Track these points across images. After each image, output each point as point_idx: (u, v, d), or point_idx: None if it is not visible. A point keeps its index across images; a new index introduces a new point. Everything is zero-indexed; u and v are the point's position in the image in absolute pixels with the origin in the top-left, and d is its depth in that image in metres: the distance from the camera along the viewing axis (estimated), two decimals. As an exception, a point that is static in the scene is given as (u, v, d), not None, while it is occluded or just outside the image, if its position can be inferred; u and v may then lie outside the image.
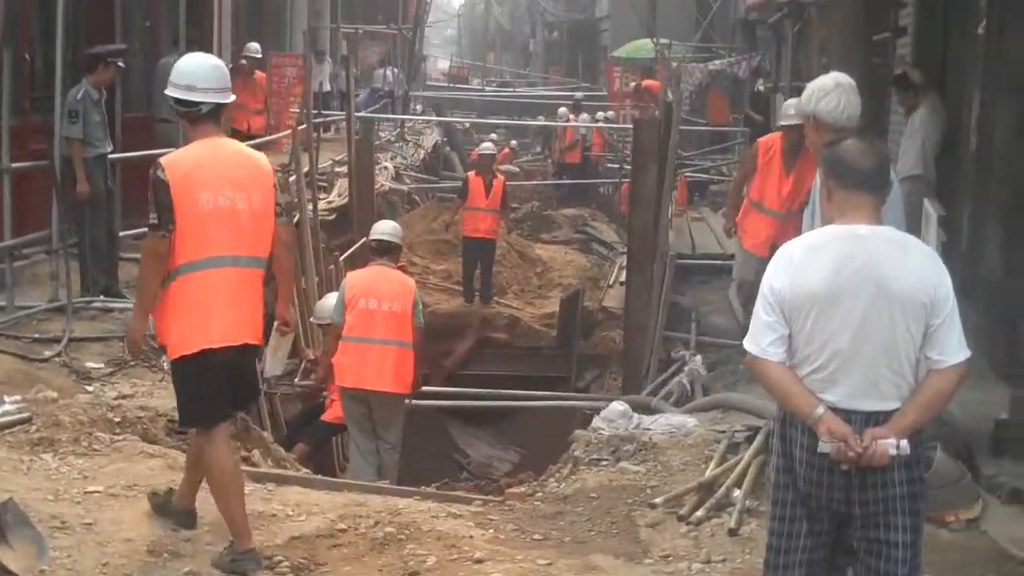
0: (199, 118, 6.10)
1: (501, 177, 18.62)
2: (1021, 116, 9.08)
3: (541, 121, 35.07)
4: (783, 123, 10.22)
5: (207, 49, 16.43)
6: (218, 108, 6.09)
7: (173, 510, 6.56)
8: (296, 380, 12.88)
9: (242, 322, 6.11)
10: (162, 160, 6.01)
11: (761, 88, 21.42)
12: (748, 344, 4.59)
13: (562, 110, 30.81)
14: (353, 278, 10.82)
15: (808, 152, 8.61)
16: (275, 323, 6.75)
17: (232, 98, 6.24)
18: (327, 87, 25.95)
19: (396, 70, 33.39)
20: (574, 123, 28.90)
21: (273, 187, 6.21)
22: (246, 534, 6.12)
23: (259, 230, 6.10)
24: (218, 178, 5.97)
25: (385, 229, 10.92)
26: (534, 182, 31.33)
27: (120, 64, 11.51)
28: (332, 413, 11.73)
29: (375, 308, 10.31)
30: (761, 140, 10.90)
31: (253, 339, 6.20)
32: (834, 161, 4.63)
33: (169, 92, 6.12)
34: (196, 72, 6.09)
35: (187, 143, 6.21)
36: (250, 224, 6.05)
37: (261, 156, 6.44)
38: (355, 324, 10.35)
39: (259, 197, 6.08)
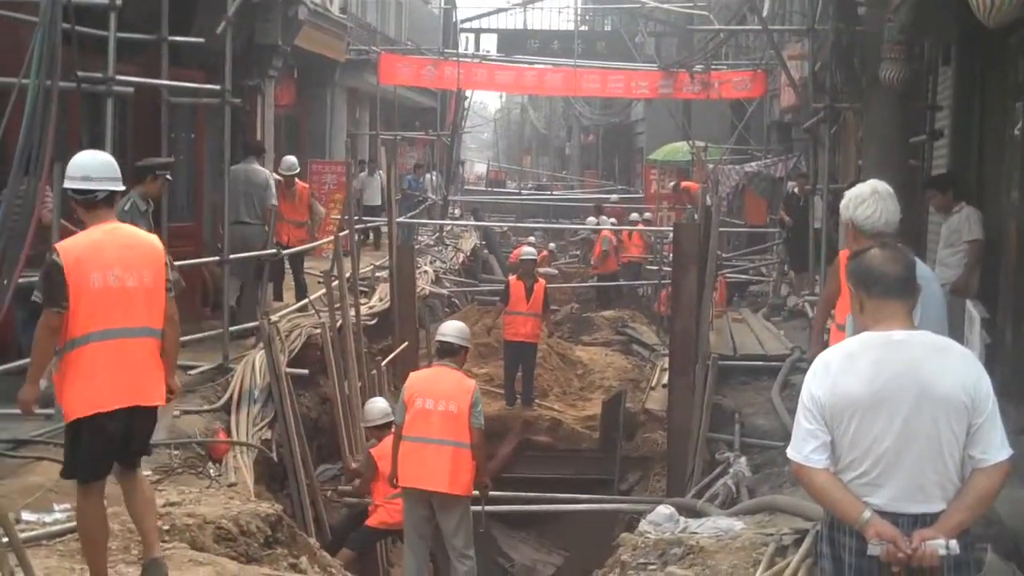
0: (94, 205, 6.84)
1: (542, 281, 18.73)
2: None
3: (578, 224, 35.31)
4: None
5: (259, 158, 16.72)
6: (111, 195, 6.90)
7: None
8: (339, 487, 12.96)
9: (133, 386, 6.72)
10: (57, 245, 6.82)
11: (795, 190, 21.43)
12: (791, 453, 4.64)
13: (590, 219, 31.04)
14: (413, 378, 10.87)
15: None
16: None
17: (122, 187, 7.06)
18: (377, 200, 25.93)
19: (435, 175, 33.78)
20: (603, 226, 29.19)
21: (164, 265, 6.91)
22: None
23: (151, 304, 6.79)
24: (109, 259, 6.68)
25: (449, 331, 10.89)
26: (573, 284, 31.46)
27: (168, 176, 11.72)
28: (376, 518, 11.77)
29: (432, 408, 10.31)
30: (841, 255, 10.23)
31: (144, 401, 6.79)
32: (861, 272, 4.70)
33: (67, 185, 6.90)
34: (90, 165, 6.91)
35: (83, 229, 6.91)
36: (142, 299, 6.75)
37: (153, 238, 7.16)
38: (412, 424, 10.37)
39: (149, 274, 6.79)
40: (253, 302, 15.19)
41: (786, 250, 21.81)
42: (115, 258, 6.71)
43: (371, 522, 11.83)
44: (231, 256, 13.53)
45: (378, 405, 12.90)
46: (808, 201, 19.57)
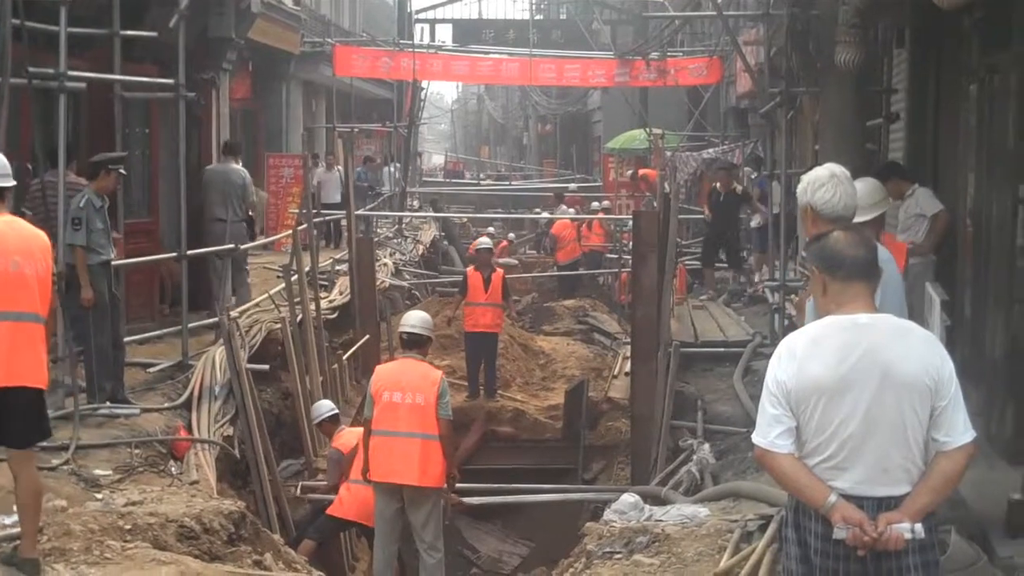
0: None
1: (500, 271, 18.68)
2: (1015, 200, 9.17)
3: (536, 214, 35.31)
4: (858, 219, 6.88)
5: (208, 152, 16.64)
6: (4, 191, 7.35)
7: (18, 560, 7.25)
8: (302, 483, 12.90)
9: (12, 367, 6.97)
10: None
11: (716, 185, 20.91)
12: (756, 438, 4.63)
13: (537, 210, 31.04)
14: (379, 371, 10.83)
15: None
16: None
17: (13, 182, 7.45)
18: (337, 197, 25.51)
19: (394, 167, 33.71)
20: (558, 216, 29.21)
21: (51, 259, 7.37)
22: None
23: (41, 292, 7.17)
24: (11, 247, 7.07)
25: (413, 321, 10.87)
26: (533, 274, 31.46)
27: (122, 171, 11.62)
28: (336, 507, 11.67)
29: (399, 401, 10.27)
30: None
31: (21, 382, 7.02)
32: (825, 255, 4.69)
33: None
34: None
35: None
36: (35, 286, 7.10)
37: (40, 232, 7.46)
38: (380, 418, 10.32)
39: (42, 265, 7.19)
40: (245, 289, 16.18)
41: (704, 247, 21.35)
42: (16, 247, 7.08)
43: (332, 511, 11.75)
44: (188, 252, 13.45)
45: (322, 403, 13.19)
46: (727, 198, 19.86)
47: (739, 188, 20.42)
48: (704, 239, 21.59)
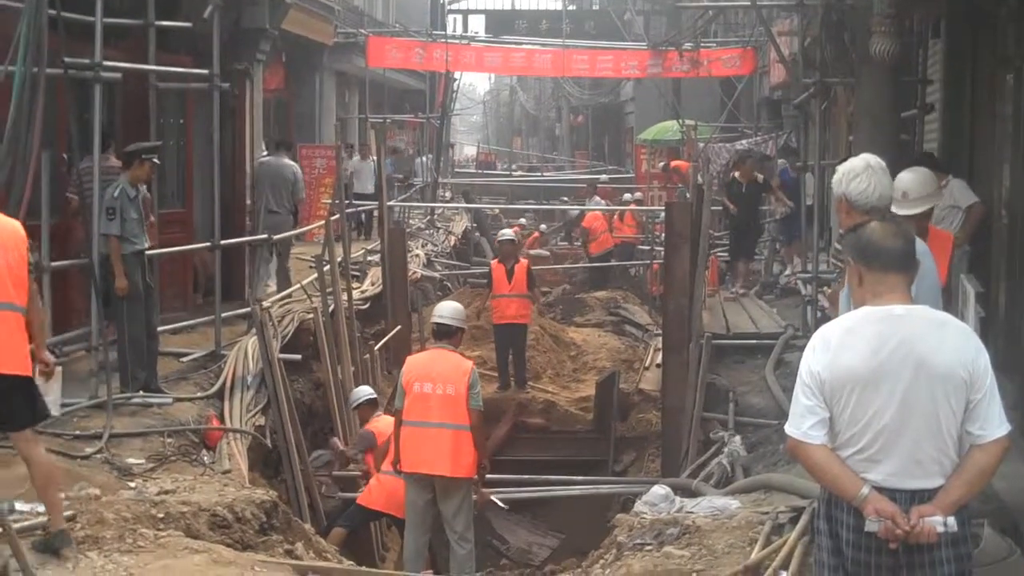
0: None
1: (524, 261, 18.69)
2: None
3: (563, 203, 35.20)
4: (904, 213, 6.69)
5: (243, 142, 16.69)
6: None
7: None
8: (333, 472, 12.95)
9: None
10: None
11: (735, 175, 20.19)
12: (789, 428, 4.61)
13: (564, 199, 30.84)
14: (410, 362, 10.83)
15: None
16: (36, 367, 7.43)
17: None
18: (370, 187, 25.70)
19: (427, 158, 33.73)
20: (589, 207, 29.06)
21: (27, 249, 7.34)
22: None
23: (16, 282, 7.15)
24: None
25: (444, 312, 10.88)
26: (564, 266, 31.42)
27: (156, 160, 11.67)
28: (366, 497, 11.72)
29: (430, 392, 10.27)
30: None
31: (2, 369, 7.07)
32: (861, 245, 4.67)
33: None
34: None
35: None
36: (7, 277, 7.09)
37: (15, 223, 7.46)
38: (411, 408, 10.34)
39: (14, 255, 7.16)
40: (284, 276, 16.79)
41: (731, 240, 20.76)
42: None
43: (362, 500, 11.79)
44: (222, 242, 13.52)
45: (361, 387, 13.40)
46: (750, 188, 19.37)
47: (760, 178, 19.93)
48: (729, 232, 21.08)
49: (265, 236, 15.27)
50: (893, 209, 6.38)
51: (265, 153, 18.28)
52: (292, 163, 17.87)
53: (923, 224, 6.77)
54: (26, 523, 7.76)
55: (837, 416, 4.50)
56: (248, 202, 17.11)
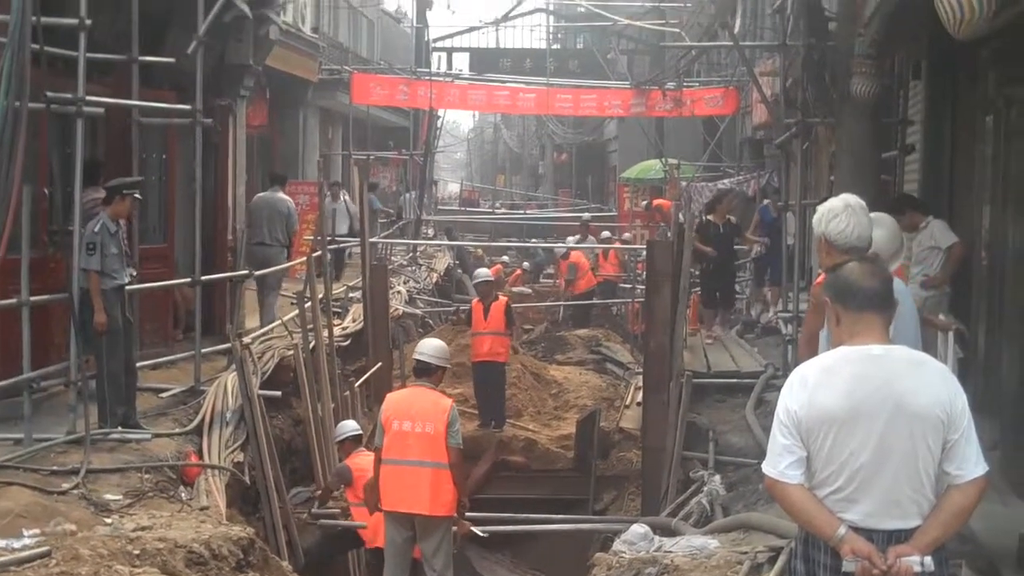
0: None
1: (502, 299, 18.66)
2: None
3: (552, 244, 35.21)
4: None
5: (225, 178, 16.68)
6: None
7: None
8: (312, 510, 12.88)
9: None
10: None
11: (708, 218, 19.42)
12: (767, 468, 4.61)
13: (572, 238, 30.73)
14: (389, 400, 10.80)
15: None
16: None
17: None
18: (344, 228, 25.74)
19: (411, 195, 33.77)
20: (575, 245, 29.03)
21: None
22: None
23: None
24: None
25: (425, 350, 10.86)
26: (547, 303, 31.41)
27: (137, 196, 11.65)
28: (371, 539, 11.61)
29: (408, 430, 10.24)
30: (817, 284, 8.97)
31: None
32: (838, 285, 4.69)
33: None
34: None
35: None
36: None
37: None
38: (390, 446, 10.30)
39: None
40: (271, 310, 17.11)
41: (703, 286, 19.79)
42: None
43: (369, 545, 11.73)
44: (202, 278, 13.50)
45: (347, 422, 13.39)
46: (726, 230, 18.95)
47: (733, 219, 19.58)
48: (703, 276, 19.92)
49: (246, 272, 15.23)
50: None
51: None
52: (286, 197, 18.39)
53: None
54: (1, 559, 7.70)
55: (814, 455, 4.50)
56: (232, 236, 17.09)
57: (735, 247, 19.95)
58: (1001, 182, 10.32)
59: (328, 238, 19.62)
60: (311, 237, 22.00)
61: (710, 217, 19.42)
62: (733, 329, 19.24)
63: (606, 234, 31.65)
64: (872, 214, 6.76)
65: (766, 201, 21.71)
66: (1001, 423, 9.60)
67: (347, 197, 26.38)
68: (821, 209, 6.09)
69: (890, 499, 4.45)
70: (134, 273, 11.46)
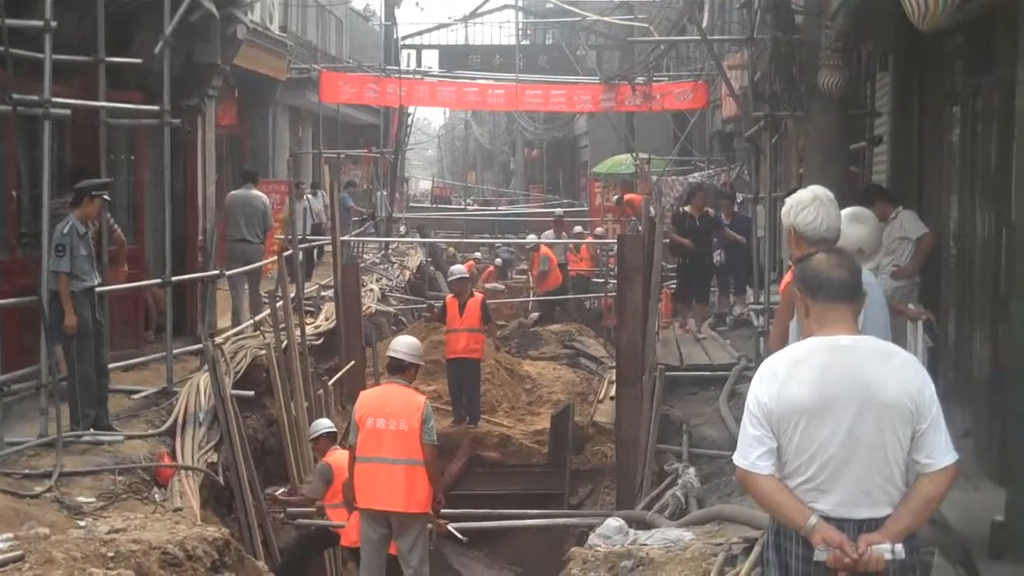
0: None
1: (478, 296, 18.62)
2: (999, 222, 9.20)
3: (523, 239, 35.23)
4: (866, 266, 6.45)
5: (194, 178, 16.63)
6: None
7: None
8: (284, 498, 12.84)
9: None
10: None
11: (684, 209, 19.32)
12: (737, 459, 4.63)
13: (548, 233, 30.65)
14: (362, 398, 10.78)
15: None
16: None
17: None
18: (322, 218, 25.84)
19: (383, 193, 33.73)
20: (543, 241, 28.96)
21: None
22: None
23: None
24: None
25: (398, 347, 10.81)
26: (520, 299, 31.42)
27: (106, 197, 11.61)
28: (348, 537, 11.56)
29: (383, 427, 10.22)
30: (785, 280, 8.31)
31: None
32: (807, 276, 4.71)
33: None
34: None
35: None
36: None
37: None
38: (364, 444, 10.27)
39: None
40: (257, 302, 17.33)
41: (680, 279, 19.65)
42: None
43: (345, 543, 11.68)
44: (173, 279, 13.47)
45: (321, 420, 13.28)
46: (703, 222, 18.73)
47: (711, 212, 19.44)
48: (678, 270, 19.91)
49: (217, 272, 15.20)
50: None
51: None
52: (260, 194, 18.67)
53: None
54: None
55: (784, 446, 4.52)
56: (202, 236, 17.02)
57: (712, 240, 19.58)
58: (969, 172, 10.37)
59: (300, 237, 19.53)
60: (282, 236, 21.91)
61: (686, 208, 19.28)
62: (706, 322, 19.16)
63: (578, 229, 31.70)
64: (853, 209, 6.80)
65: (740, 196, 21.72)
66: (972, 411, 9.65)
67: (309, 196, 26.28)
68: (790, 201, 6.11)
69: (860, 489, 4.47)
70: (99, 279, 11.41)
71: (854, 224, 6.58)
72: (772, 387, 4.54)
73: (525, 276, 34.62)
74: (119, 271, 13.72)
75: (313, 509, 12.50)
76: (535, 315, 28.29)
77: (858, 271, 4.75)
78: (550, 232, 30.59)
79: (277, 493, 12.90)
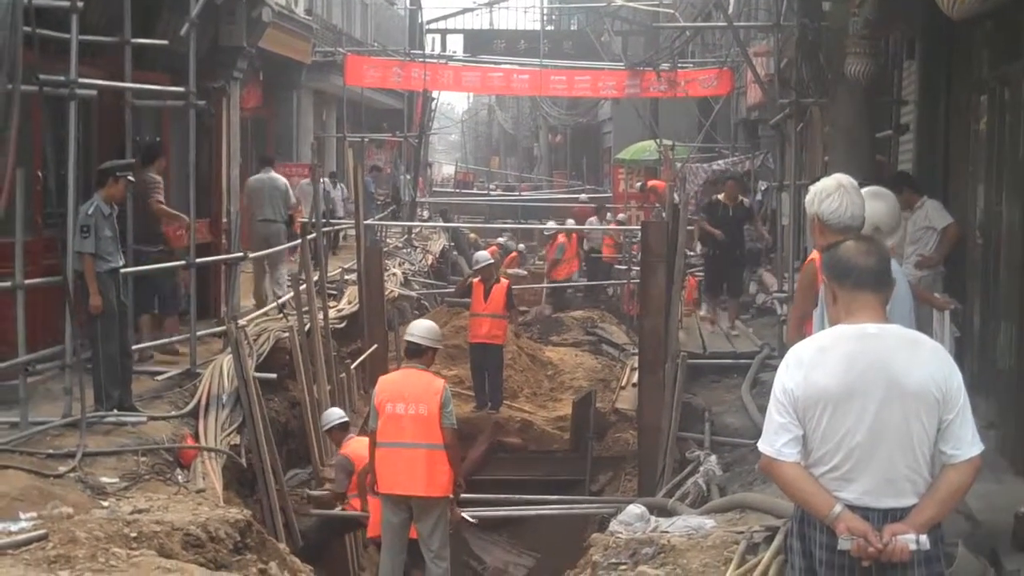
0: None
1: (504, 282, 18.59)
2: (1025, 210, 9.15)
3: (547, 224, 35.24)
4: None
5: (219, 160, 16.65)
6: None
7: None
8: (309, 492, 12.89)
9: None
10: None
11: (718, 197, 18.65)
12: (763, 446, 4.61)
13: (592, 220, 30.59)
14: (381, 383, 10.81)
15: None
16: None
17: None
18: (341, 211, 26.03)
19: (407, 176, 33.74)
20: (557, 227, 28.98)
21: None
22: None
23: None
24: None
25: (416, 331, 10.81)
26: (542, 285, 31.41)
27: (131, 179, 11.63)
28: (373, 528, 11.56)
29: (402, 412, 10.25)
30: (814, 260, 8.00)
31: None
32: (835, 263, 4.69)
33: None
34: None
35: None
36: None
37: None
38: (384, 429, 10.30)
39: None
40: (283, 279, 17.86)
41: (708, 269, 18.97)
42: None
43: (371, 534, 11.69)
44: (198, 260, 13.50)
45: (332, 410, 13.36)
46: (736, 212, 18.14)
47: (746, 201, 18.96)
48: (706, 260, 19.20)
49: (241, 254, 15.26)
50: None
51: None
52: (279, 176, 19.14)
53: None
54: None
55: (810, 434, 4.51)
56: (226, 219, 17.06)
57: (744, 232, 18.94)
58: (995, 162, 10.31)
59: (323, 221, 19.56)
60: (305, 219, 21.95)
61: (719, 197, 18.70)
62: (739, 319, 18.67)
63: (610, 215, 31.66)
64: (871, 188, 6.75)
65: (762, 183, 21.58)
66: (997, 402, 9.61)
67: (327, 183, 26.31)
68: (813, 189, 6.08)
69: (886, 478, 4.45)
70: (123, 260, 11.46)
71: (872, 201, 6.54)
72: (798, 374, 4.52)
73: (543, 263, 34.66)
74: (176, 235, 14.25)
75: (340, 505, 12.52)
76: (547, 310, 28.21)
77: (887, 259, 4.72)
78: (594, 219, 30.55)
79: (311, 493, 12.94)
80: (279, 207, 18.33)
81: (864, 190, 6.40)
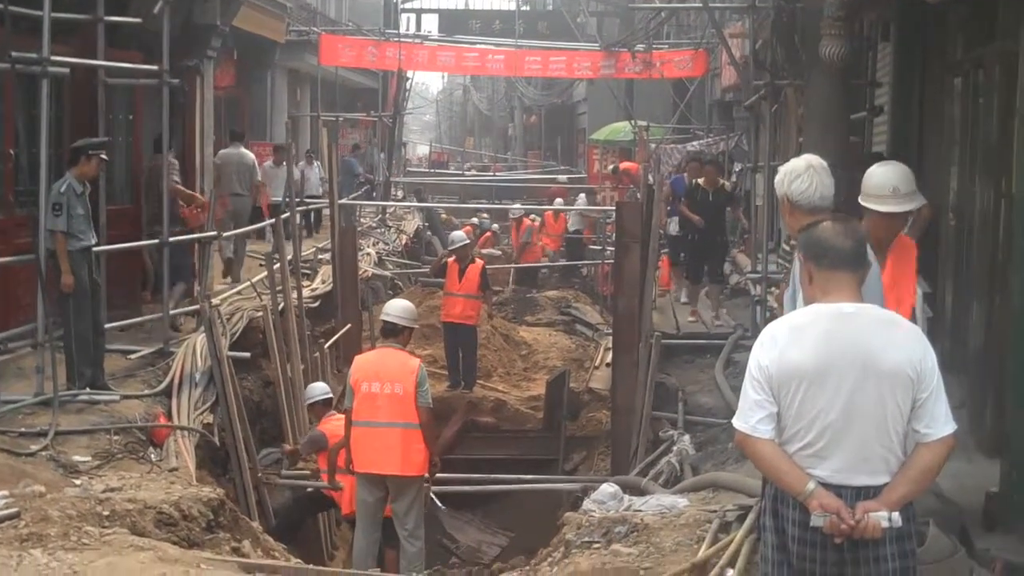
0: None
1: (479, 262, 18.59)
2: (998, 194, 9.19)
3: (521, 205, 35.26)
4: (897, 210, 6.59)
5: (192, 139, 16.59)
6: None
7: None
8: (282, 471, 12.88)
9: None
10: None
11: (697, 182, 17.65)
12: (737, 422, 4.63)
13: (581, 197, 30.62)
14: (357, 362, 10.81)
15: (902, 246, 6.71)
16: None
17: None
18: (319, 190, 25.98)
19: (382, 155, 33.66)
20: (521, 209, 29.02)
21: None
22: None
23: None
24: None
25: (391, 311, 10.84)
26: (516, 265, 31.41)
27: (103, 156, 11.57)
28: (347, 504, 11.55)
29: (378, 391, 10.27)
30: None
31: None
32: (812, 243, 4.71)
33: None
34: None
35: None
36: None
37: None
38: (360, 408, 10.32)
39: None
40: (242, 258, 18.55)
41: (689, 255, 18.09)
42: None
43: (347, 511, 11.68)
44: (170, 239, 13.45)
45: (317, 384, 13.29)
46: (716, 197, 17.28)
47: (727, 184, 18.26)
48: (686, 246, 18.31)
49: (214, 233, 15.21)
50: (879, 207, 6.39)
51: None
52: (248, 152, 19.81)
53: (898, 226, 6.71)
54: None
55: (784, 411, 4.53)
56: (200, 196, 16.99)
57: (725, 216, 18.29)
58: (968, 144, 10.35)
59: (297, 200, 19.52)
60: (279, 199, 21.87)
61: (699, 182, 17.79)
62: (703, 291, 18.57)
63: (581, 196, 31.72)
64: (879, 162, 6.79)
65: (738, 165, 21.54)
66: (968, 382, 9.66)
67: (304, 164, 26.14)
68: (783, 170, 6.07)
69: (859, 456, 4.48)
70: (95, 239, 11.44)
71: (883, 167, 6.58)
72: (774, 351, 4.54)
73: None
74: (193, 214, 14.91)
75: (308, 471, 12.54)
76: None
77: (863, 240, 4.74)
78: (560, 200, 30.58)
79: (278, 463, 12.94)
80: (245, 182, 19.02)
81: (876, 164, 6.43)
